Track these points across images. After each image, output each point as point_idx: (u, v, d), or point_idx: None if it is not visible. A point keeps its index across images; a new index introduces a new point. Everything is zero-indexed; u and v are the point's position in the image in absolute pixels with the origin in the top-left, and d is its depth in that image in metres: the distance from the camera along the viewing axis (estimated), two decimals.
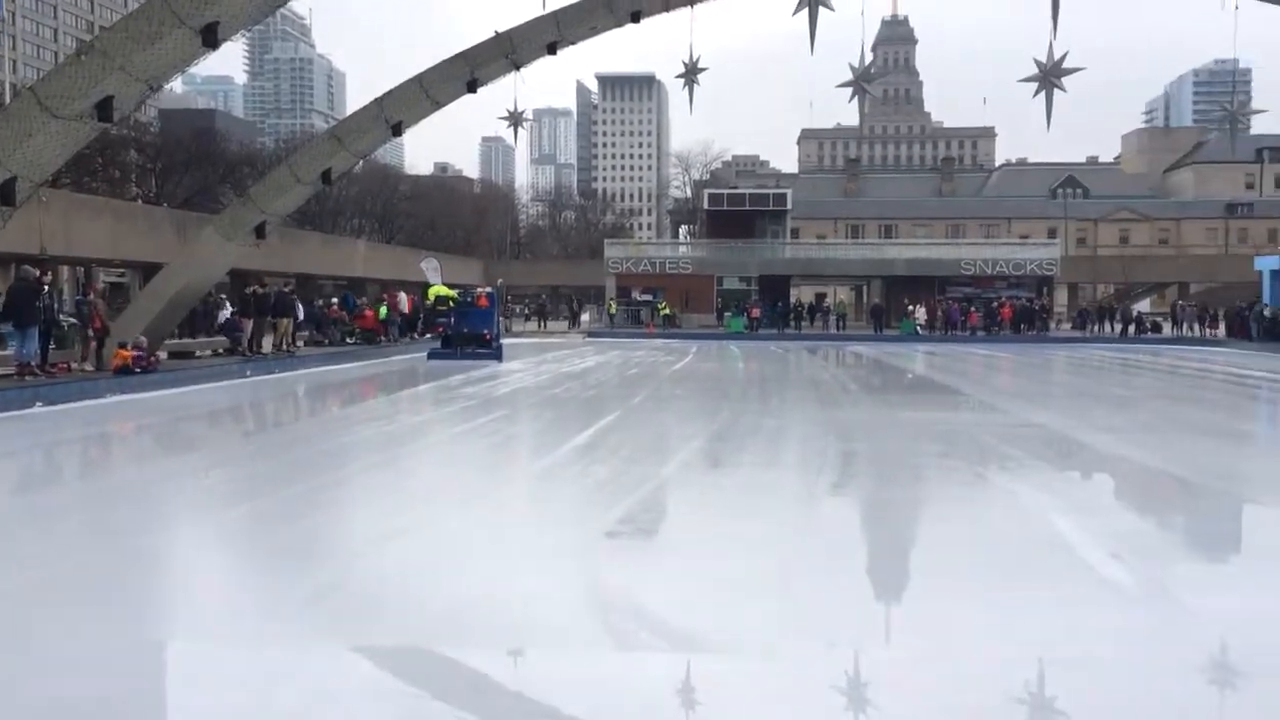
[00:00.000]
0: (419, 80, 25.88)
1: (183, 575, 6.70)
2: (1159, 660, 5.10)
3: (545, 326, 53.25)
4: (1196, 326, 45.19)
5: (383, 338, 31.62)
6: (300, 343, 27.58)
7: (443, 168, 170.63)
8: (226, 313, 26.35)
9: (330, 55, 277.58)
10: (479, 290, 30.82)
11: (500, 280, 45.82)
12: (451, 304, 29.25)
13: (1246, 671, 4.88)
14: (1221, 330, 43.95)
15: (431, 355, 28.00)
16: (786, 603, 5.96)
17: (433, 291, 31.23)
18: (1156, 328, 46.89)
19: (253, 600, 6.03)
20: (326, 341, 29.48)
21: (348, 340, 30.33)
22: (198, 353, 24.26)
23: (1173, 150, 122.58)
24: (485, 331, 28.36)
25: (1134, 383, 24.41)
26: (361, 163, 42.62)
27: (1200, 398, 20.64)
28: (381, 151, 58.54)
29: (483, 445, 12.86)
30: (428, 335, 33.17)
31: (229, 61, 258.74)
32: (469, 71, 26.18)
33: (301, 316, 28.00)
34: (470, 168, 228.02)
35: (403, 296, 35.13)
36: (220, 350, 24.74)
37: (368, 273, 55.36)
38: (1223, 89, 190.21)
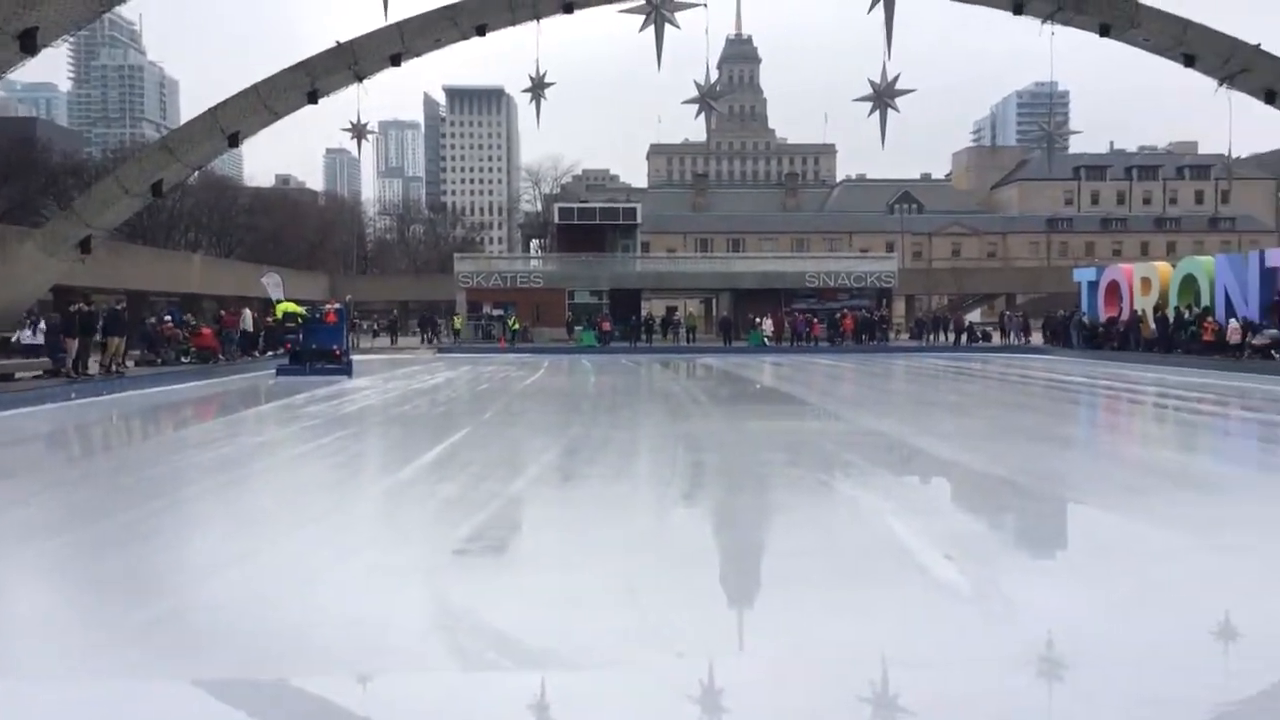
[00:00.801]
0: (257, 90, 25.16)
1: (2, 608, 6.27)
2: (991, 656, 5.32)
3: (396, 342, 52.27)
4: (1022, 335, 47.76)
5: (221, 356, 30.44)
6: (130, 362, 26.26)
7: (285, 180, 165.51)
8: (28, 333, 24.69)
9: (162, 63, 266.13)
10: (327, 306, 30.90)
11: (349, 296, 45.06)
12: (300, 320, 29.20)
13: (1074, 664, 5.15)
14: (1039, 338, 46.53)
15: (280, 371, 28.00)
16: (637, 614, 5.98)
17: (280, 308, 31.13)
18: (987, 336, 49.30)
19: (82, 633, 5.69)
20: (160, 361, 28.17)
21: (183, 359, 29.07)
22: (18, 375, 22.80)
23: (999, 168, 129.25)
24: (334, 347, 28.55)
25: (966, 389, 25.57)
26: (197, 174, 41.03)
27: (1026, 403, 21.76)
28: (219, 162, 56.43)
29: (326, 465, 12.49)
30: (270, 354, 32.25)
31: (52, 68, 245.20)
32: (309, 82, 25.60)
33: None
34: (315, 180, 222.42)
35: (247, 313, 33.91)
36: (43, 372, 23.32)
37: (204, 289, 53.32)
38: (1043, 110, 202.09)
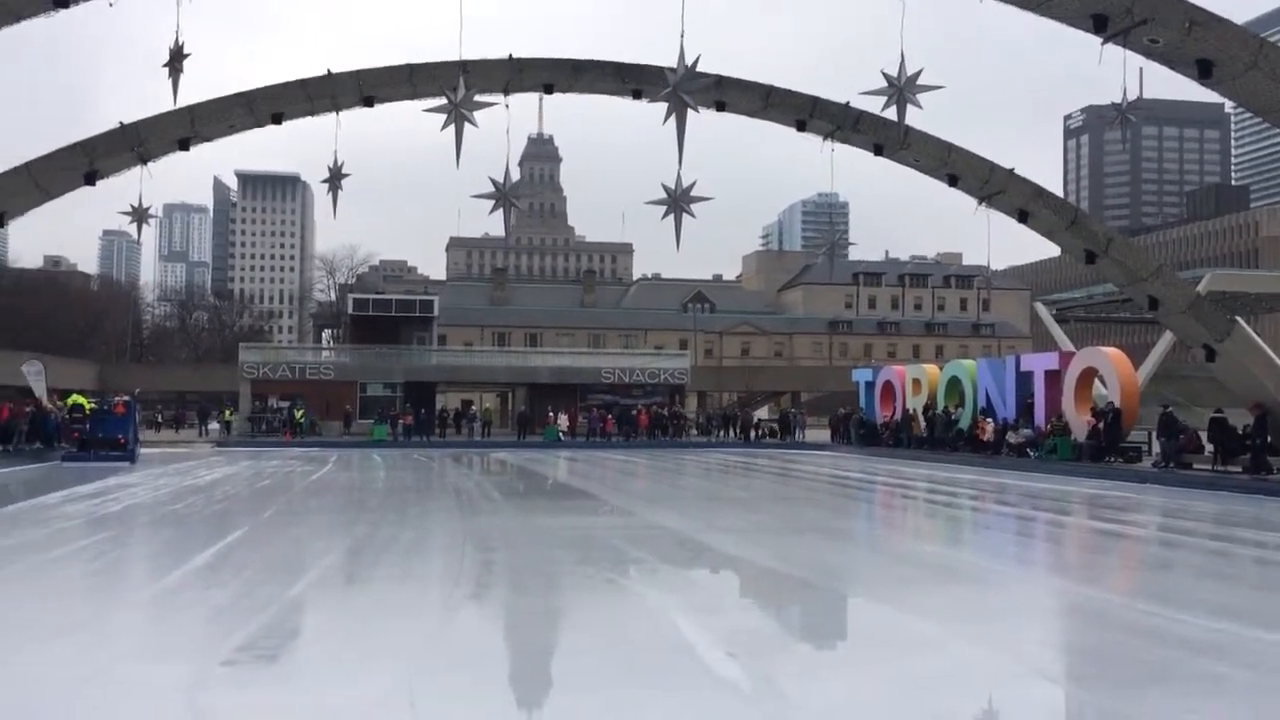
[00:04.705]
0: (29, 168, 23.78)
1: None
2: None
3: (178, 433, 49.40)
4: (802, 432, 49.88)
5: None
6: None
7: (55, 261, 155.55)
8: None
9: None
10: (116, 399, 33.24)
11: (137, 389, 44.74)
12: (87, 411, 31.58)
13: None
14: (821, 434, 48.68)
15: (66, 458, 29.88)
16: None
17: (70, 399, 33.42)
18: (773, 433, 51.11)
19: None
20: None
21: None
22: None
23: (785, 270, 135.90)
24: (120, 436, 30.53)
25: (753, 485, 26.37)
26: None
27: (808, 498, 22.64)
28: None
29: (82, 571, 11.57)
30: (37, 445, 31.04)
31: None
32: (88, 162, 24.44)
33: None
34: (88, 263, 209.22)
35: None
36: None
37: None
38: (826, 218, 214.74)
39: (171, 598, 9.71)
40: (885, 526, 19.22)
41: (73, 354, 74.59)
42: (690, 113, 21.28)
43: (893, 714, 6.22)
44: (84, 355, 78.92)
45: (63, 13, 19.50)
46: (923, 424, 37.82)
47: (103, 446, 30.15)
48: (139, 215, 26.44)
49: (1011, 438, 32.13)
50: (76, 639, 7.90)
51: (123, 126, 25.04)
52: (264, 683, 6.89)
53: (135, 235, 29.00)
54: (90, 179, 24.58)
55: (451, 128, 23.61)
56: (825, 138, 28.81)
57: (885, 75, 21.49)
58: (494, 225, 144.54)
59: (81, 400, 32.96)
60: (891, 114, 21.94)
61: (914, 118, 22.64)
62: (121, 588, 10.95)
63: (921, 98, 21.50)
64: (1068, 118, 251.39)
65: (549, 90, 27.00)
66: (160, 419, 57.23)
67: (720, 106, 27.73)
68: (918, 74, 21.34)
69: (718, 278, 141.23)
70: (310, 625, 8.84)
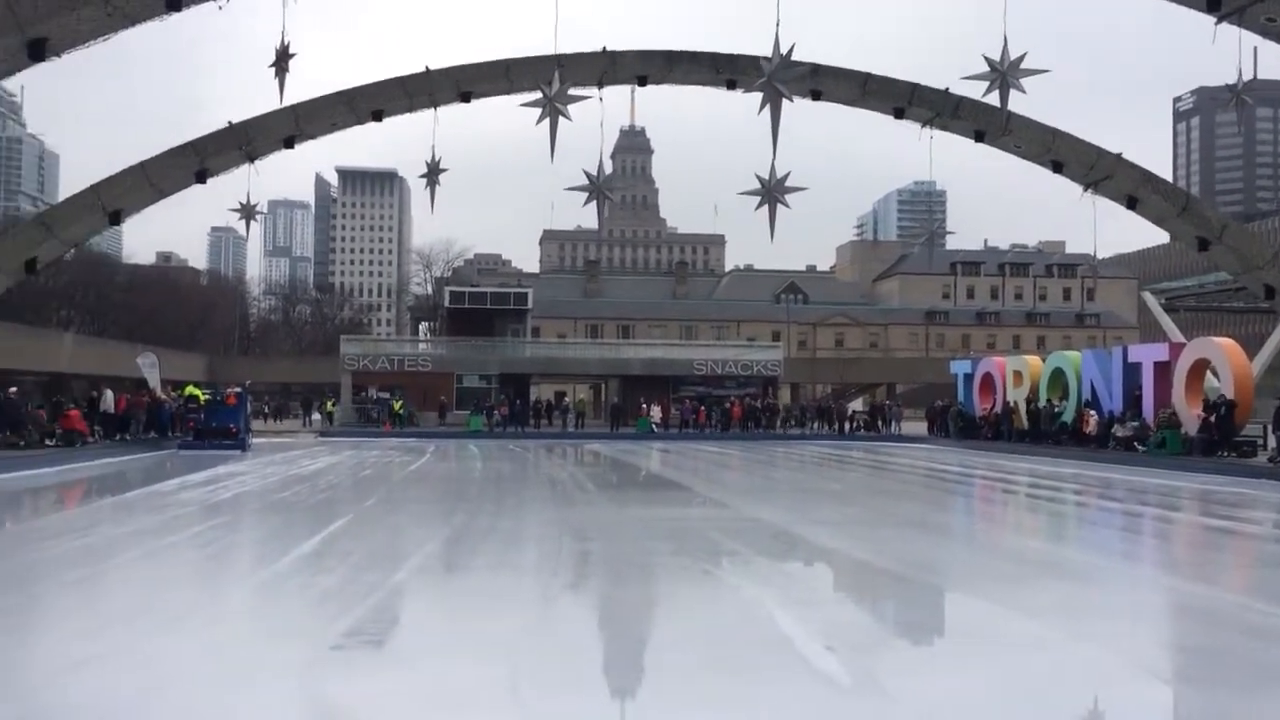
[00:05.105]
0: (143, 167, 24.69)
1: None
2: None
3: (279, 423, 50.95)
4: (898, 424, 49.09)
5: (89, 439, 29.19)
6: None
7: (166, 257, 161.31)
8: None
9: (43, 135, 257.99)
10: (228, 390, 34.46)
11: (249, 381, 46.34)
12: (201, 402, 32.77)
13: None
14: (917, 427, 47.86)
15: (182, 446, 31.13)
16: (518, 712, 5.89)
17: (186, 390, 34.66)
18: (868, 425, 50.44)
19: None
20: (23, 444, 26.83)
21: (47, 442, 27.75)
22: None
23: (880, 261, 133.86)
24: (232, 426, 31.85)
25: (848, 477, 26.09)
26: (73, 250, 39.77)
27: (905, 492, 22.31)
28: (97, 238, 54.84)
29: (197, 557, 12.03)
30: (152, 435, 32.43)
31: None
32: (199, 161, 25.26)
33: None
34: (198, 258, 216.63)
35: (109, 394, 32.65)
36: None
37: (74, 368, 51.18)
38: (922, 207, 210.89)
39: (281, 583, 10.02)
40: (985, 521, 18.84)
41: (183, 346, 77.36)
42: (785, 102, 21.08)
43: (998, 713, 6.10)
44: (194, 348, 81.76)
45: (174, 15, 20.16)
46: (1024, 417, 36.95)
47: (216, 436, 31.49)
48: (247, 212, 27.30)
49: (1118, 431, 31.18)
50: (193, 622, 8.22)
51: (231, 126, 25.85)
52: (371, 667, 7.06)
53: (244, 231, 29.97)
54: (201, 177, 25.45)
55: (546, 122, 23.83)
56: (924, 125, 28.35)
57: (987, 60, 21.01)
58: (586, 218, 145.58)
59: (196, 391, 34.22)
60: (993, 99, 21.46)
61: (1016, 102, 22.11)
62: (234, 573, 11.34)
63: (1025, 82, 20.96)
64: (1177, 100, 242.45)
65: (642, 82, 27.07)
66: (266, 410, 59.06)
67: (816, 95, 27.46)
68: (1021, 58, 20.82)
69: (811, 268, 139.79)
70: (414, 612, 9.04)
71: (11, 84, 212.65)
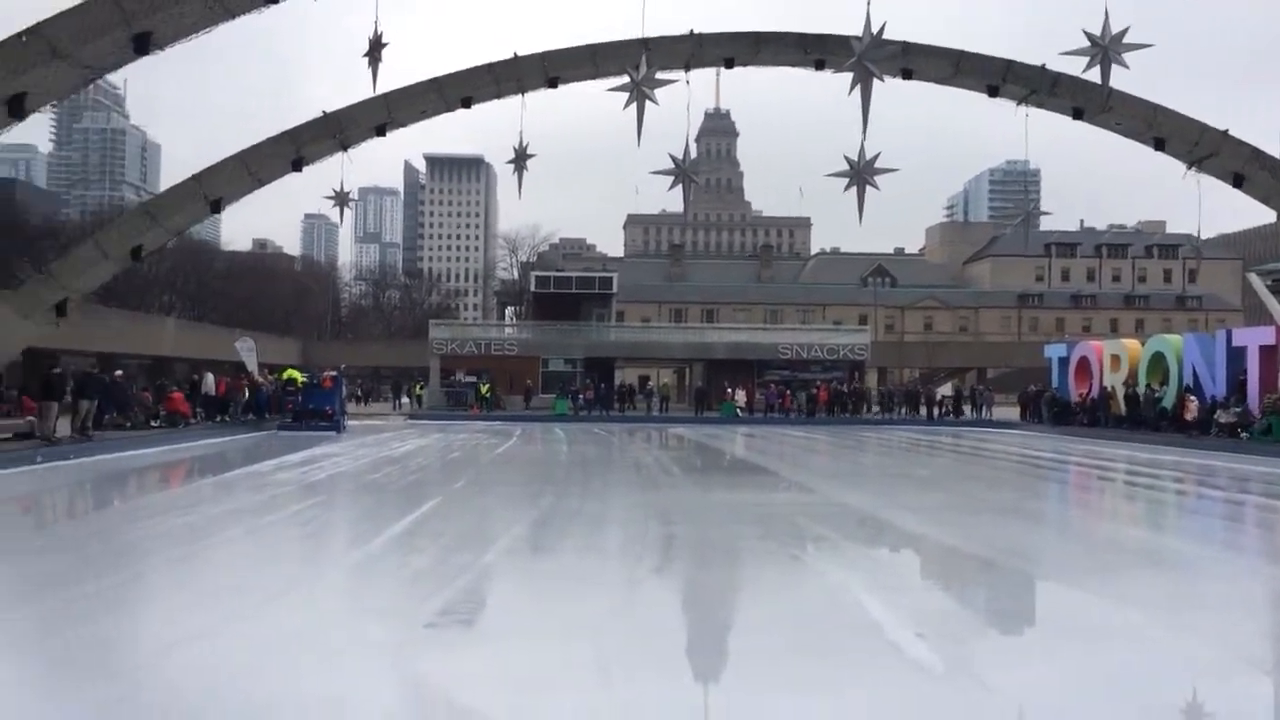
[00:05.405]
0: (241, 157, 25.33)
1: None
2: None
3: (366, 406, 52.09)
4: (990, 409, 48.10)
5: (191, 420, 30.20)
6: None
7: (262, 244, 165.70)
8: None
9: (145, 127, 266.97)
10: (325, 373, 35.72)
11: (343, 365, 47.57)
12: (299, 384, 33.97)
13: None
14: (1008, 412, 46.85)
15: (281, 427, 32.35)
16: (606, 692, 5.94)
17: (285, 374, 36.00)
18: (958, 410, 49.55)
19: (38, 712, 5.56)
20: (129, 425, 27.88)
21: (152, 423, 28.79)
22: None
23: (971, 243, 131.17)
24: (328, 408, 33.09)
25: (937, 463, 25.67)
26: (175, 238, 41.04)
27: (997, 478, 21.87)
28: (197, 226, 56.52)
29: (295, 535, 12.36)
30: (250, 417, 33.34)
31: (33, 129, 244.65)
32: (294, 150, 25.82)
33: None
34: (292, 245, 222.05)
35: (210, 377, 33.74)
36: (13, 435, 22.98)
37: (176, 352, 52.93)
38: (1015, 188, 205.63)
39: (375, 563, 10.24)
40: (1081, 509, 18.37)
41: (278, 331, 79.43)
42: (875, 83, 20.74)
43: (1097, 704, 5.95)
44: (288, 332, 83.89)
45: (271, 8, 20.62)
46: (1122, 402, 35.93)
47: (313, 418, 32.67)
48: (341, 199, 27.88)
49: (1221, 417, 30.14)
50: (291, 599, 8.45)
51: (325, 115, 26.38)
52: (463, 646, 7.19)
53: (337, 219, 30.57)
54: (297, 165, 26.02)
55: (633, 107, 23.82)
56: (1019, 103, 27.65)
57: (1087, 34, 20.39)
58: (670, 202, 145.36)
59: (295, 374, 35.50)
60: (1093, 75, 20.81)
61: (1117, 78, 21.41)
62: (329, 552, 11.62)
63: (1127, 57, 20.29)
64: None
65: (729, 65, 26.88)
66: (359, 393, 60.42)
67: (907, 74, 26.96)
68: (1123, 32, 20.14)
69: (899, 251, 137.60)
70: (503, 593, 9.16)
71: (114, 77, 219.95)
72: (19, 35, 15.64)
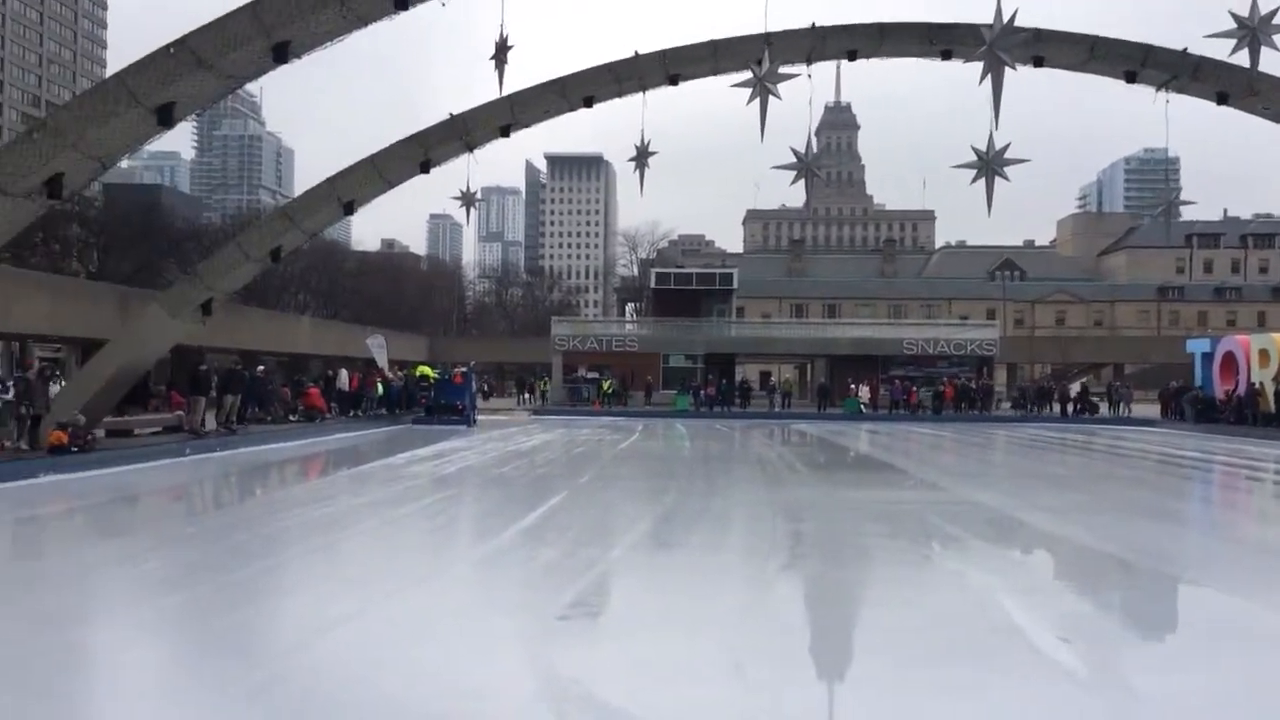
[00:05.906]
0: (372, 160, 26.02)
1: (113, 669, 6.47)
2: None
3: (487, 401, 53.21)
4: (1129, 407, 46.14)
5: (327, 415, 31.29)
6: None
7: (390, 244, 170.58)
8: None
9: (279, 132, 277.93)
10: (456, 369, 37.26)
11: (473, 362, 49.58)
12: (431, 380, 35.60)
13: None
14: (1147, 410, 44.90)
15: (415, 421, 33.63)
16: (738, 689, 5.93)
17: (418, 370, 37.71)
18: (1094, 408, 47.70)
19: (188, 697, 5.85)
20: (269, 419, 29.05)
21: (290, 418, 29.94)
22: (136, 430, 23.74)
23: (1106, 235, 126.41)
24: (459, 403, 34.31)
25: (1071, 461, 24.80)
26: (310, 239, 42.50)
27: (1136, 478, 21.02)
28: (330, 227, 58.48)
29: (428, 527, 12.69)
30: (382, 411, 34.44)
31: (177, 137, 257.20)
32: (423, 152, 26.38)
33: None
34: (418, 244, 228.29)
35: (344, 373, 34.92)
36: (163, 428, 24.23)
37: (312, 349, 54.86)
38: (1153, 176, 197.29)
39: (505, 555, 10.43)
40: (1228, 510, 17.53)
41: (406, 328, 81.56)
42: (1006, 71, 20.11)
43: (1250, 713, 5.68)
44: (416, 329, 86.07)
45: (401, 14, 21.13)
46: (1271, 399, 34.13)
47: (445, 412, 34.01)
48: (467, 199, 28.39)
49: None
50: (428, 590, 8.68)
51: (452, 117, 26.90)
52: (596, 639, 7.27)
53: (463, 219, 31.11)
54: (425, 167, 26.58)
55: (755, 103, 23.60)
56: (1159, 89, 26.42)
57: (1234, 15, 19.39)
58: (790, 197, 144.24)
59: (428, 370, 37.13)
60: (1240, 59, 19.80)
61: (1265, 61, 20.33)
62: (461, 544, 11.91)
63: (1278, 38, 19.24)
64: None
65: (852, 57, 26.43)
66: (486, 388, 61.59)
67: (1038, 62, 26.04)
68: (1273, 13, 19.10)
69: (1029, 243, 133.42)
70: (632, 587, 9.22)
71: (250, 85, 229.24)
72: (167, 47, 16.40)
